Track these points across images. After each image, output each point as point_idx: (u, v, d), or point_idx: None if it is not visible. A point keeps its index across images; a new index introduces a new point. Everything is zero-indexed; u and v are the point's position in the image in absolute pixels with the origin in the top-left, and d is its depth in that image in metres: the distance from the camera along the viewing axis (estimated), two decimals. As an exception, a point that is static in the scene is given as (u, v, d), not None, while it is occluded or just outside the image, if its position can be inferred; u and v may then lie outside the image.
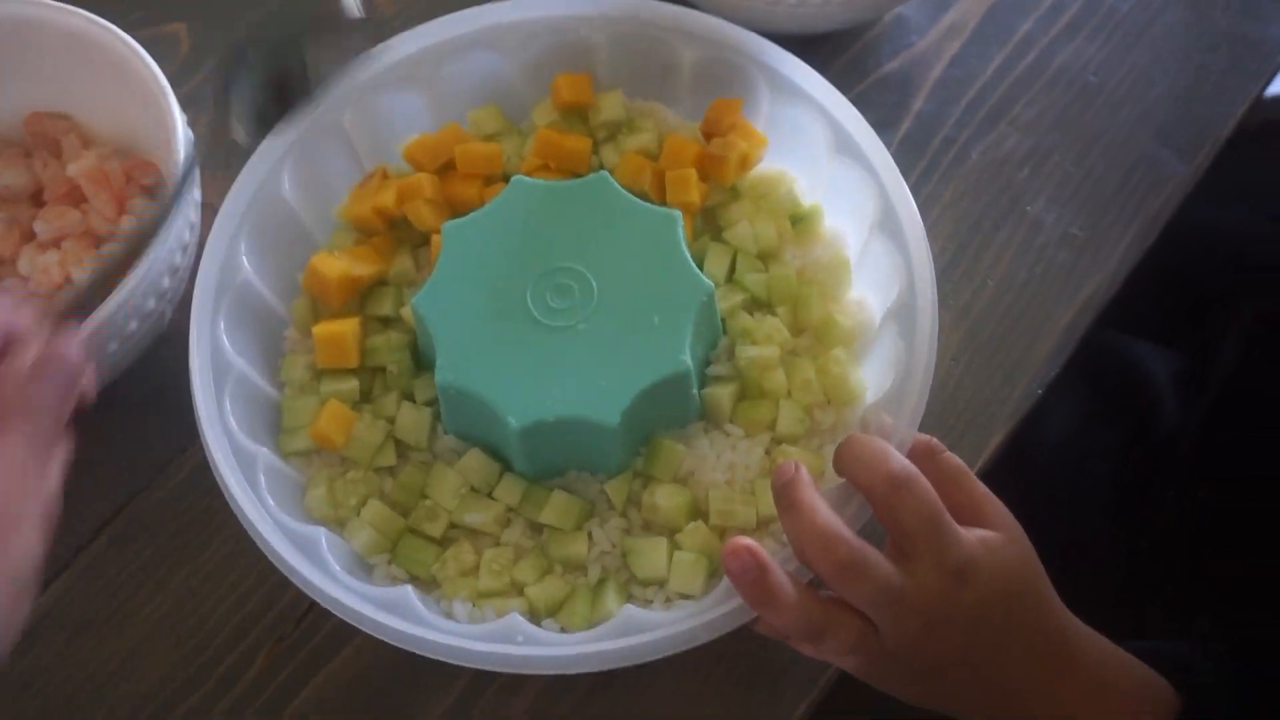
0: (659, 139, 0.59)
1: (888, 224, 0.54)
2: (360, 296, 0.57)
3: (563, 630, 0.49)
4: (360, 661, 0.54)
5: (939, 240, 0.63)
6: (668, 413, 0.52)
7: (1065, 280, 0.62)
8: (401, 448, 0.54)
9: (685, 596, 0.50)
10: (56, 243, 0.58)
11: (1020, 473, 0.58)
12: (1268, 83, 0.69)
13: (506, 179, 0.56)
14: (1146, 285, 0.64)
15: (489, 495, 0.52)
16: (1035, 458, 0.65)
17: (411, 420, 0.53)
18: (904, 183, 0.54)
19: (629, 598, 0.50)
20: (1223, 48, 0.68)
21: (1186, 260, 0.70)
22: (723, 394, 0.53)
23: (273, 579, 0.51)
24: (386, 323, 0.57)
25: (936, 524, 0.44)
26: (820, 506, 0.45)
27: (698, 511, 0.52)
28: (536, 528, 0.52)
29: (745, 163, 0.57)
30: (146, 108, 0.56)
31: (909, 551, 0.45)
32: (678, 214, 0.53)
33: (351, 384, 0.54)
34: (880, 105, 0.67)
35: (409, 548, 0.51)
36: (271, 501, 0.50)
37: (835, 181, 0.57)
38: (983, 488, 0.48)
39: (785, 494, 0.46)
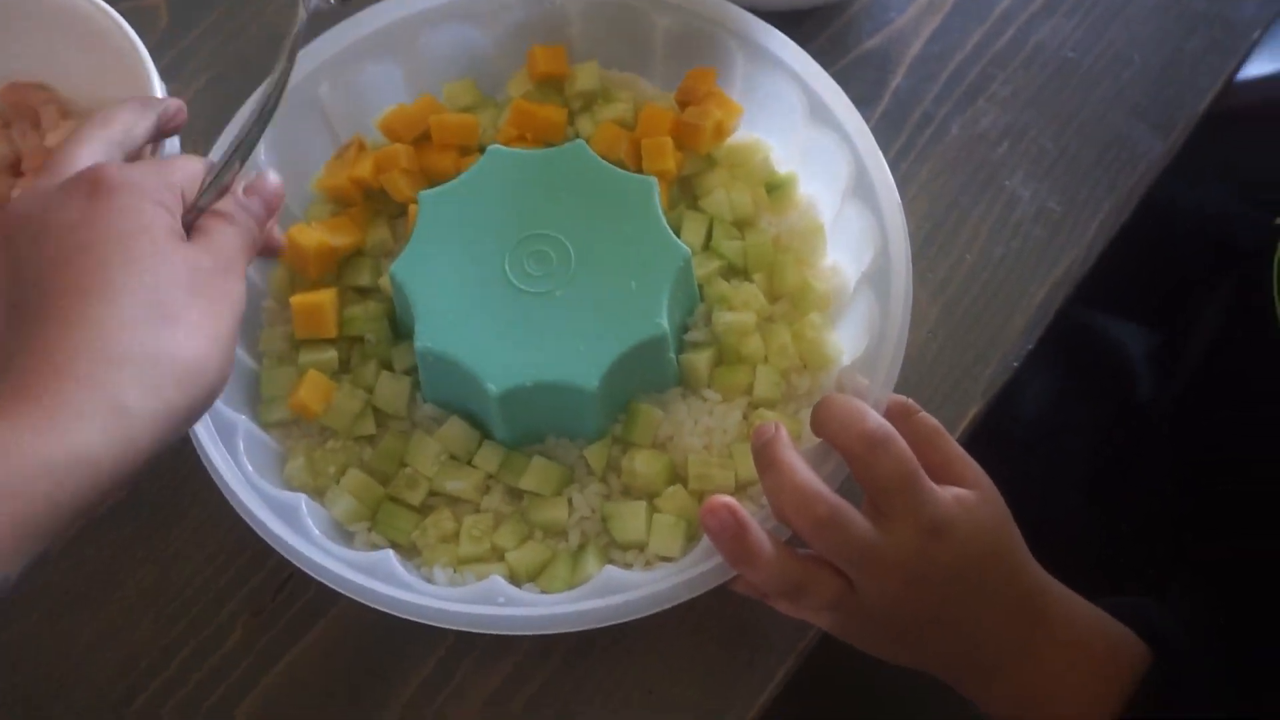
0: (635, 109, 0.59)
1: (862, 189, 0.54)
2: (338, 267, 0.57)
3: (543, 594, 0.49)
4: (338, 630, 0.54)
5: (916, 216, 0.63)
6: (646, 378, 0.53)
7: (1041, 255, 0.63)
8: (380, 416, 0.54)
9: (665, 559, 0.50)
10: None
11: (995, 447, 0.58)
12: (1242, 61, 0.69)
13: (482, 150, 0.56)
14: (1125, 264, 0.65)
15: (468, 463, 0.52)
16: (1010, 432, 0.66)
17: (390, 389, 0.53)
18: (877, 147, 0.55)
19: (609, 561, 0.51)
20: (1199, 27, 0.69)
21: (1165, 240, 0.71)
22: (700, 359, 0.53)
23: (251, 549, 0.51)
24: (364, 293, 0.57)
25: (912, 482, 0.45)
26: (799, 465, 0.46)
27: (676, 476, 0.52)
28: (516, 494, 0.53)
29: (720, 131, 0.58)
30: (127, 79, 0.56)
31: (885, 510, 0.45)
32: (653, 181, 0.54)
33: (330, 354, 0.54)
34: (860, 81, 0.67)
35: (389, 515, 0.52)
36: (251, 469, 0.50)
37: (810, 148, 0.57)
38: (958, 448, 0.49)
39: (764, 453, 0.46)
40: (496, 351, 0.50)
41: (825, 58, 0.67)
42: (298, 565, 0.48)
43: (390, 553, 0.49)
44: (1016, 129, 0.66)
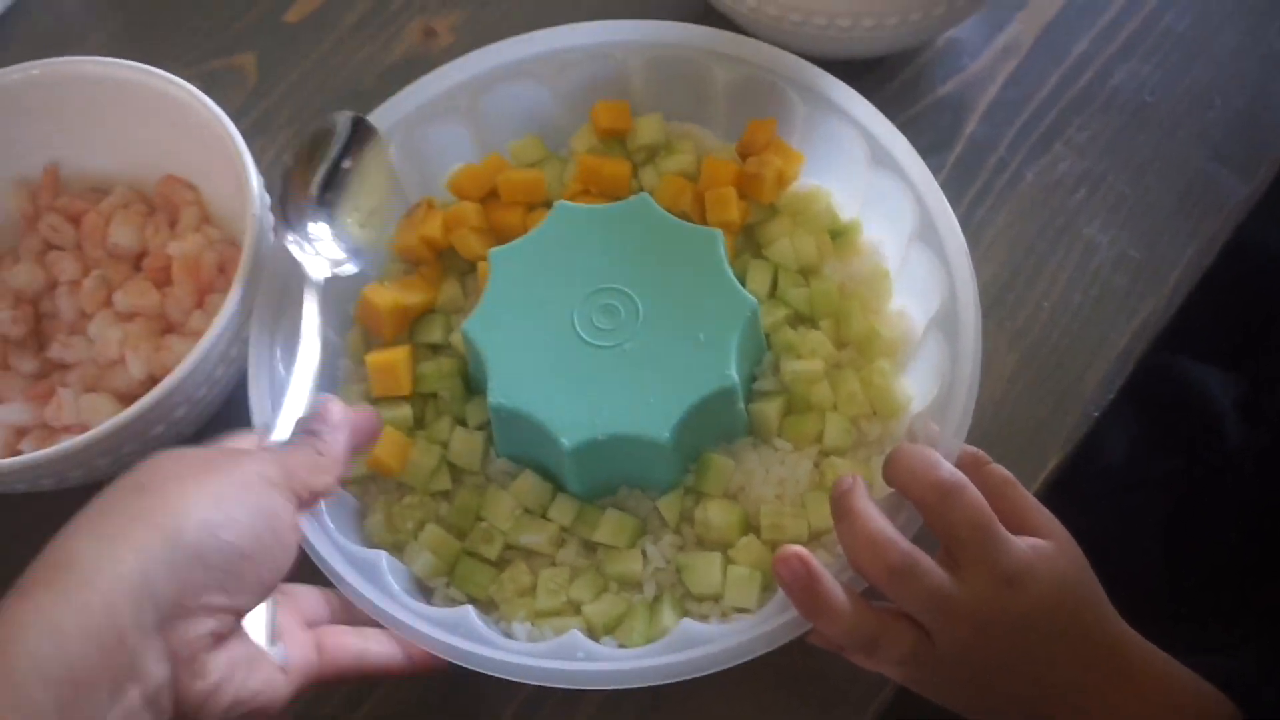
0: (697, 160, 0.60)
1: (926, 233, 0.54)
2: (410, 325, 0.58)
3: (621, 647, 0.50)
4: (417, 680, 0.55)
5: (993, 263, 0.63)
6: (716, 429, 0.53)
7: (1121, 303, 0.62)
8: (456, 472, 0.55)
9: (741, 610, 0.50)
10: (131, 318, 0.59)
11: (1072, 498, 0.57)
12: (1328, 102, 0.68)
13: (549, 205, 0.57)
14: (1208, 309, 0.64)
15: (543, 516, 0.53)
16: (1088, 483, 0.65)
17: (465, 445, 0.54)
18: (940, 191, 0.54)
19: (685, 613, 0.51)
20: (1281, 68, 0.68)
21: (1250, 284, 0.69)
22: (770, 409, 0.53)
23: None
24: (436, 350, 0.58)
25: (987, 531, 0.45)
26: (873, 513, 0.46)
27: (749, 526, 0.52)
28: (590, 547, 0.53)
29: (782, 180, 0.58)
30: (245, 209, 0.56)
31: (961, 559, 0.45)
32: (719, 233, 0.54)
33: (405, 411, 0.55)
34: (934, 128, 0.67)
35: (467, 570, 0.52)
36: (332, 526, 0.51)
37: (873, 194, 0.57)
38: (1031, 498, 0.49)
39: (840, 503, 0.47)
40: (569, 405, 0.50)
41: (898, 104, 0.68)
42: (380, 621, 0.48)
43: (470, 609, 0.50)
44: (1094, 175, 0.65)
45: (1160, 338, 0.62)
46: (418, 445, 0.54)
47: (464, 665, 0.48)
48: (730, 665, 0.47)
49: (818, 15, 0.60)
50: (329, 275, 0.54)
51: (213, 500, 0.40)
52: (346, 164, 0.57)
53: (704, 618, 0.51)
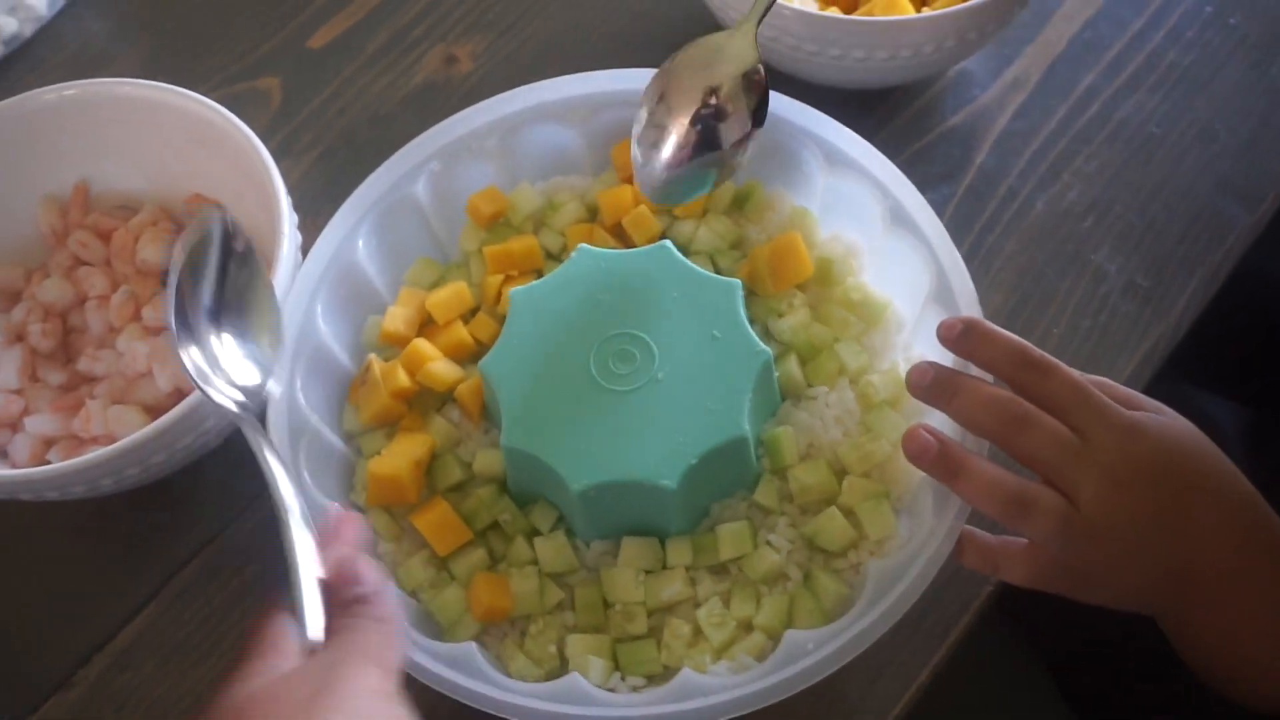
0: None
1: (942, 296, 0.54)
2: (427, 479, 0.56)
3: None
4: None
5: (1003, 289, 0.64)
6: (727, 479, 0.53)
7: (1130, 330, 0.63)
8: (558, 578, 0.53)
9: (886, 540, 0.52)
10: (158, 332, 0.60)
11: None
12: (1330, 135, 0.69)
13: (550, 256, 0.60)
14: (1215, 337, 0.65)
15: (664, 568, 0.53)
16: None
17: (553, 552, 0.53)
18: (958, 254, 0.54)
19: (836, 572, 0.52)
20: (1285, 101, 0.70)
21: (1257, 313, 0.71)
22: (789, 366, 0.56)
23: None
24: (463, 486, 0.56)
25: (1090, 393, 0.47)
26: (981, 383, 0.48)
27: (838, 471, 0.54)
28: (718, 570, 0.53)
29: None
30: (273, 225, 0.57)
31: (1074, 424, 0.47)
32: (737, 283, 0.54)
33: (479, 553, 0.54)
34: (944, 159, 0.69)
35: (631, 654, 0.51)
36: (504, 690, 0.48)
37: (890, 252, 0.57)
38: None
39: (945, 378, 0.49)
40: (579, 449, 0.50)
41: (910, 134, 0.70)
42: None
43: (688, 671, 0.49)
44: (1102, 204, 0.67)
45: (1166, 364, 0.63)
46: (512, 578, 0.52)
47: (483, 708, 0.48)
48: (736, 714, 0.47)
49: (832, 47, 0.62)
50: (257, 405, 0.51)
51: None
52: (231, 271, 0.52)
53: (857, 566, 0.52)
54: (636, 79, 0.60)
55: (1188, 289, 0.64)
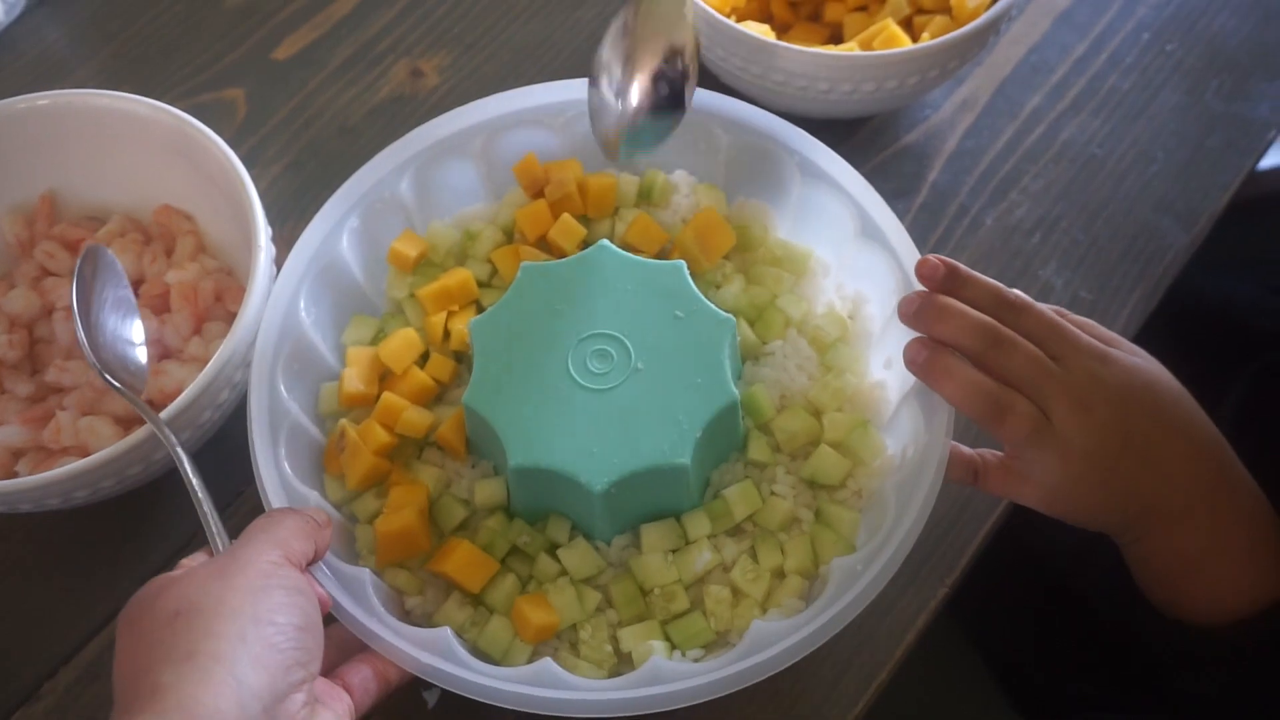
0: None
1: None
2: (433, 523, 0.56)
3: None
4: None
5: (955, 302, 0.67)
6: (723, 446, 0.56)
7: (1075, 341, 0.66)
8: (593, 582, 0.55)
9: (877, 459, 0.55)
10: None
11: (1032, 527, 0.61)
12: (1258, 158, 0.73)
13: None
14: (1151, 347, 0.68)
15: (686, 543, 0.54)
16: (1041, 520, 0.69)
17: (580, 559, 0.54)
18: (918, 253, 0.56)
19: (840, 503, 0.55)
20: (1217, 127, 0.73)
21: (1193, 328, 0.74)
22: (742, 328, 0.58)
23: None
24: (467, 524, 0.56)
25: (1064, 327, 0.51)
26: (965, 309, 0.51)
27: (817, 411, 0.57)
28: (736, 530, 0.56)
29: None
30: (248, 236, 0.58)
31: (1052, 353, 0.50)
32: (682, 263, 0.56)
33: (510, 580, 0.54)
34: (899, 175, 0.71)
35: (684, 630, 0.53)
36: (586, 693, 0.49)
37: (859, 261, 0.60)
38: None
39: (932, 302, 0.51)
40: (588, 451, 0.52)
41: (865, 151, 0.72)
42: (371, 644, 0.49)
43: (757, 625, 0.51)
44: (1048, 221, 0.70)
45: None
46: (548, 594, 0.53)
47: (441, 685, 0.49)
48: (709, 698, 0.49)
49: (799, 79, 0.64)
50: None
51: (251, 595, 0.43)
52: (121, 293, 0.58)
53: (859, 492, 0.55)
54: (521, 99, 0.62)
55: (1129, 303, 0.67)
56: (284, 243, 0.59)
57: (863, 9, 0.71)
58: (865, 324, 0.60)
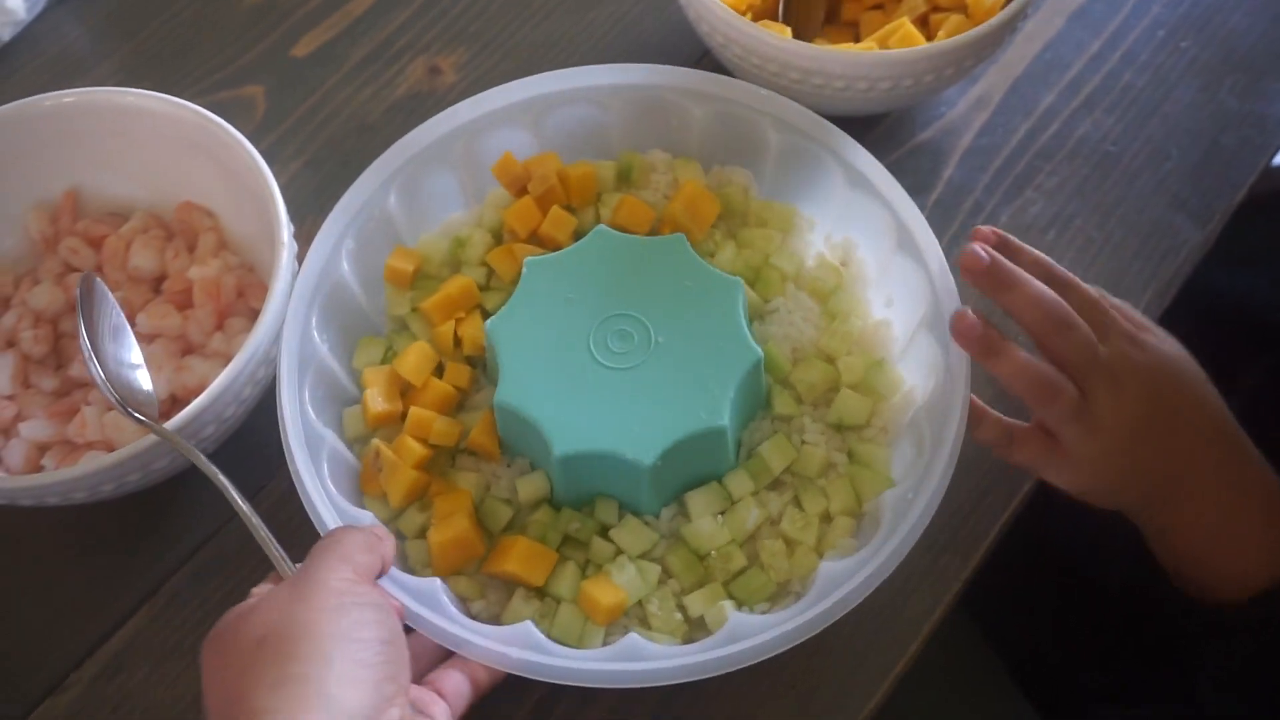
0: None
1: (936, 323, 0.57)
2: (480, 526, 0.56)
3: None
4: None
5: (970, 301, 0.66)
6: (702, 467, 0.56)
7: (1089, 338, 0.66)
8: (651, 556, 0.56)
9: (898, 393, 0.58)
10: (151, 339, 0.61)
11: (1046, 517, 0.62)
12: (1273, 155, 0.73)
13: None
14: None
15: (732, 502, 0.56)
16: (1058, 511, 0.69)
17: (632, 535, 0.55)
18: (954, 283, 0.57)
19: (869, 441, 0.58)
20: (1232, 123, 0.73)
21: (1206, 325, 0.74)
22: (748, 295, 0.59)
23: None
24: (513, 523, 0.57)
25: (1104, 308, 0.54)
26: (1034, 281, 0.53)
27: (830, 358, 0.60)
28: (777, 484, 0.57)
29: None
30: (270, 233, 0.58)
31: (1098, 331, 0.53)
32: (739, 281, 0.57)
33: (570, 567, 0.55)
34: (914, 172, 0.71)
35: (745, 588, 0.54)
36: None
37: (847, 211, 0.61)
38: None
39: (1001, 268, 0.53)
40: (566, 416, 0.53)
41: (881, 147, 0.72)
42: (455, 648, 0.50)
43: (530, 624, 0.52)
44: (1063, 218, 0.70)
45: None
46: (612, 575, 0.54)
47: (538, 678, 0.50)
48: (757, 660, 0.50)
49: (815, 75, 0.64)
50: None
51: (331, 615, 0.43)
52: (115, 320, 0.58)
53: (884, 428, 0.58)
54: (666, 75, 0.63)
55: (1143, 300, 0.68)
56: (304, 239, 0.59)
57: (879, 7, 0.72)
58: (859, 268, 0.62)
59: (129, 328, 0.59)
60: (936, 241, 0.59)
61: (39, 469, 0.59)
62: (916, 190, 0.70)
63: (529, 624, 0.51)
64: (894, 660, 0.57)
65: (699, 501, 0.56)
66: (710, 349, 0.55)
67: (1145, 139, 0.73)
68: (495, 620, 0.54)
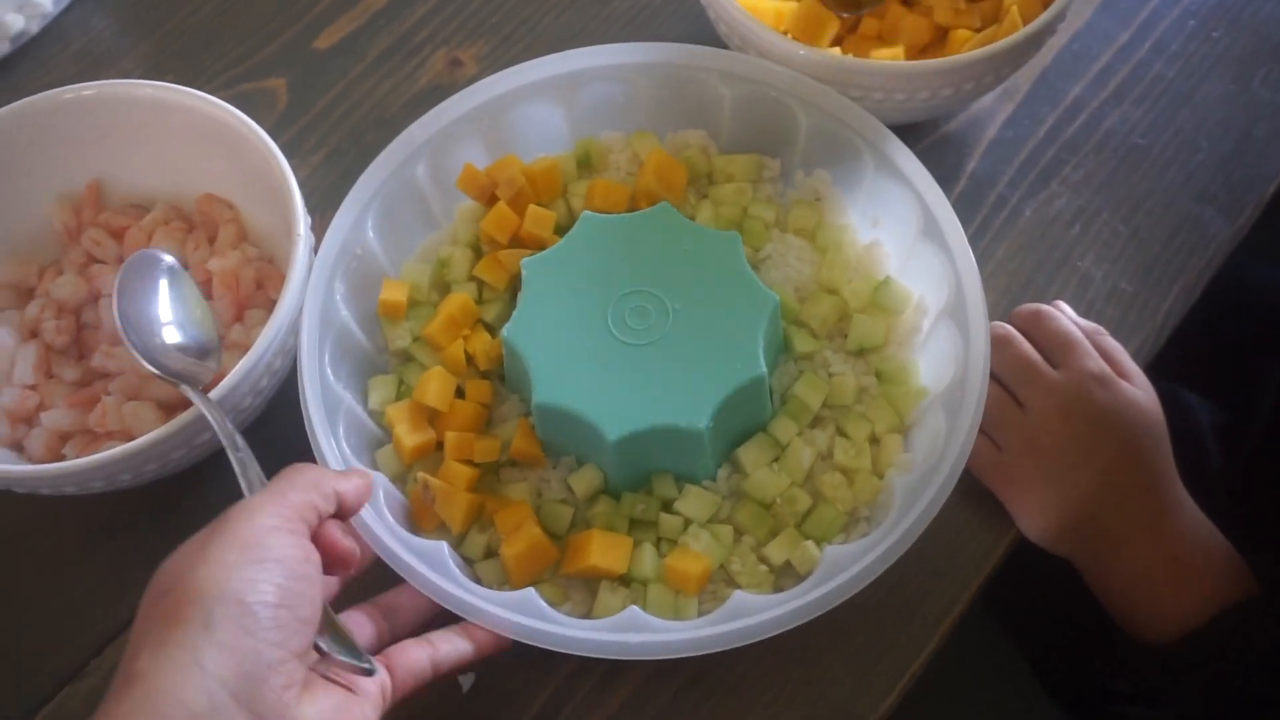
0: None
1: (956, 311, 0.57)
2: (547, 533, 0.56)
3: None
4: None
5: (993, 294, 0.66)
6: (747, 419, 0.57)
7: (1114, 334, 0.64)
8: (714, 521, 0.56)
9: (908, 305, 0.60)
10: None
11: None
12: (1308, 147, 0.72)
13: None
14: (1194, 341, 0.67)
15: (771, 468, 0.56)
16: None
17: (697, 504, 0.56)
18: (978, 274, 0.57)
19: (892, 358, 0.60)
20: (1264, 115, 0.72)
21: (1235, 319, 0.73)
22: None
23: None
24: (575, 518, 0.57)
25: (1080, 342, 0.58)
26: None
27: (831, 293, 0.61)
28: (813, 423, 0.59)
29: None
30: (286, 226, 0.58)
31: (1059, 362, 0.58)
32: (737, 235, 0.58)
33: (647, 547, 0.55)
34: (939, 164, 0.70)
35: (817, 526, 0.55)
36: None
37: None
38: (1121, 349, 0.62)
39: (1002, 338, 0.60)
40: (610, 401, 0.54)
41: (906, 141, 0.71)
42: (453, 608, 0.51)
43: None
44: (1089, 212, 0.69)
45: (1150, 368, 0.65)
46: (690, 545, 0.54)
47: (536, 644, 0.50)
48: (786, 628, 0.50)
49: (853, 89, 0.63)
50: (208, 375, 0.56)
51: (226, 571, 0.41)
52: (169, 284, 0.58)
53: (901, 344, 0.60)
54: (695, 55, 0.63)
55: (1170, 295, 0.67)
56: (323, 231, 0.60)
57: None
58: (835, 200, 0.63)
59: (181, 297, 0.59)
60: (960, 228, 0.58)
61: (60, 458, 0.59)
62: (939, 183, 0.69)
63: (635, 609, 0.52)
64: (912, 658, 0.57)
65: (750, 454, 0.56)
66: (727, 304, 0.56)
67: (1175, 131, 0.72)
68: (586, 618, 0.54)
